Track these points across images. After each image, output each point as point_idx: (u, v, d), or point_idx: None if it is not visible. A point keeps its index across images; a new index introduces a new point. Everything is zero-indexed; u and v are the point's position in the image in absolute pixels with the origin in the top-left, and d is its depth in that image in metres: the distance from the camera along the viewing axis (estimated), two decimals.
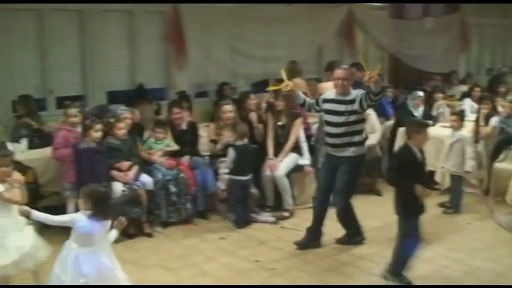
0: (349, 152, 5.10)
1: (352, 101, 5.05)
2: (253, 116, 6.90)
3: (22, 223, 4.13)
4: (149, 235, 5.78)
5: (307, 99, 5.49)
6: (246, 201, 6.05)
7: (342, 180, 5.16)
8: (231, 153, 5.94)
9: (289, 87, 5.10)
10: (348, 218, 5.36)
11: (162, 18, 8.24)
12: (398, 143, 7.12)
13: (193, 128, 6.65)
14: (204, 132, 6.82)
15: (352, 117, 5.06)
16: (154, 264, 5.06)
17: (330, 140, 5.23)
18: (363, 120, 5.26)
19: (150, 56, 8.27)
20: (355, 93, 5.10)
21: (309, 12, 9.67)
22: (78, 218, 3.75)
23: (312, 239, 5.36)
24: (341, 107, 5.09)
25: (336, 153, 5.18)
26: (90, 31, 7.55)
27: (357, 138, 5.13)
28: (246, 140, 6.07)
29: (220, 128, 6.49)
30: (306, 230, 5.39)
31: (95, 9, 7.53)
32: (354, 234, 5.45)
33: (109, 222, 3.88)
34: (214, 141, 6.51)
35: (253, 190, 6.23)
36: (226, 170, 6.06)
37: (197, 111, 7.80)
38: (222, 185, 6.19)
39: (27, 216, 3.85)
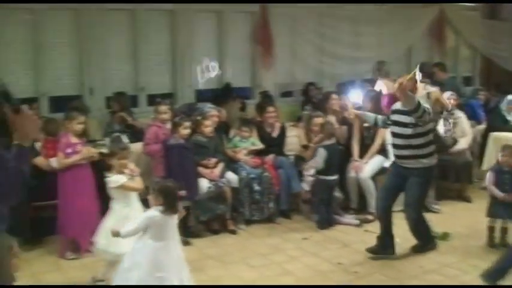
0: (419, 163, 4.89)
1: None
2: (332, 117, 6.80)
3: (140, 213, 4.26)
4: (233, 232, 5.86)
5: (379, 117, 5.33)
6: (331, 202, 6.02)
7: (412, 193, 4.99)
8: (322, 152, 5.90)
9: (352, 116, 5.41)
10: (421, 229, 5.20)
11: (250, 18, 8.36)
12: (490, 148, 6.84)
13: (281, 129, 6.68)
14: (290, 132, 6.82)
15: (419, 129, 4.85)
16: (238, 261, 5.13)
17: (396, 152, 5.06)
18: (431, 131, 5.02)
19: (238, 56, 8.41)
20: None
21: (398, 12, 9.48)
22: (152, 215, 3.85)
23: (383, 247, 5.18)
24: (406, 118, 4.88)
25: (405, 165, 4.99)
26: (180, 31, 7.76)
27: (425, 151, 4.91)
28: (334, 140, 6.04)
29: (311, 137, 6.41)
30: (376, 238, 5.25)
31: (186, 9, 7.73)
32: (427, 243, 5.28)
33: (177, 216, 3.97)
34: (305, 147, 6.47)
35: (338, 194, 6.17)
36: (312, 171, 6.04)
37: (281, 112, 7.83)
38: (306, 186, 6.17)
39: (117, 235, 3.93)
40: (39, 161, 5.26)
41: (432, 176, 5.21)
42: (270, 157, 6.38)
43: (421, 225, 5.18)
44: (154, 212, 3.85)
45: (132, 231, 3.88)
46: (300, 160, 6.50)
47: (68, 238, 5.17)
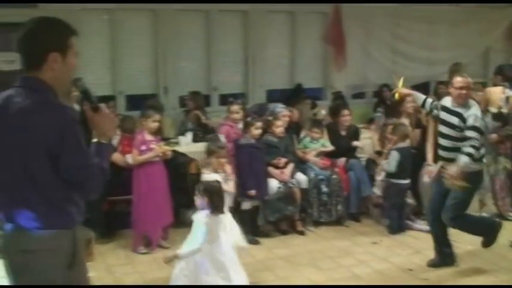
0: (467, 167, 4.44)
1: (465, 118, 4.51)
2: (406, 120, 6.62)
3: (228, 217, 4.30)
4: (301, 233, 5.85)
5: (429, 99, 5.04)
6: (403, 206, 5.89)
7: (454, 196, 4.59)
8: (395, 155, 5.78)
9: (397, 96, 5.03)
10: (470, 225, 4.82)
11: (322, 18, 8.31)
12: None
13: (355, 132, 6.60)
14: (362, 134, 6.73)
15: (469, 133, 4.48)
16: (306, 263, 5.10)
17: (442, 153, 4.73)
18: (482, 135, 4.58)
19: (309, 56, 8.39)
20: (473, 110, 4.54)
21: (475, 13, 9.15)
22: (202, 221, 3.91)
23: (442, 258, 4.96)
24: (454, 120, 4.56)
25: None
26: (253, 31, 7.82)
27: (474, 155, 4.46)
28: (407, 142, 5.91)
29: (384, 143, 6.27)
30: (434, 250, 5.04)
31: (259, 10, 7.78)
32: (489, 232, 4.85)
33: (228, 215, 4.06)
34: (379, 153, 6.35)
35: (409, 200, 6.04)
36: (383, 175, 5.93)
37: (353, 113, 7.73)
38: (377, 191, 6.07)
39: (177, 259, 3.98)
40: (116, 157, 5.43)
41: (479, 182, 4.89)
42: (342, 160, 6.31)
43: (466, 222, 4.77)
44: (201, 216, 3.93)
45: (191, 250, 3.90)
46: (372, 163, 6.39)
47: (141, 233, 5.31)
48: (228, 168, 4.65)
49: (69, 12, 6.73)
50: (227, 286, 3.80)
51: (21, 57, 2.36)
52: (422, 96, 5.07)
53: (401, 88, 5.01)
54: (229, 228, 4.11)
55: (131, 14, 7.28)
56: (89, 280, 2.65)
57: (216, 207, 3.92)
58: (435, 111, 4.86)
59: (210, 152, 4.68)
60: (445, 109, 4.68)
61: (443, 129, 4.69)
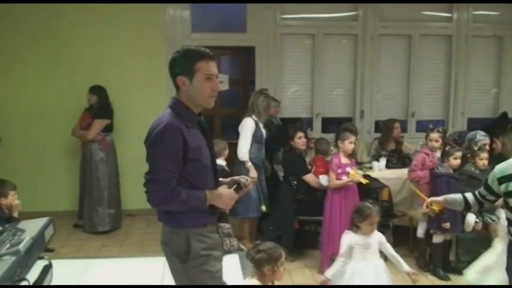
0: None
1: None
2: None
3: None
4: None
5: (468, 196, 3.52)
6: None
7: None
8: None
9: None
10: None
11: None
12: None
13: None
14: None
15: None
16: None
17: None
18: None
19: None
20: None
21: None
22: (352, 240, 4.00)
23: None
24: None
25: None
26: (456, 56, 7.55)
27: None
28: None
29: None
30: None
31: (463, 34, 7.50)
32: None
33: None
34: None
35: None
36: None
37: None
38: None
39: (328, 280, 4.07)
40: (309, 177, 5.53)
41: None
42: None
43: None
44: (350, 234, 4.02)
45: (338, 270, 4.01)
46: None
47: (328, 255, 5.31)
48: None
49: (274, 37, 7.15)
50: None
51: None
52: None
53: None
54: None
55: (333, 38, 7.42)
56: None
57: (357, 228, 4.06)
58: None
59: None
60: None
61: None
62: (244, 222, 5.84)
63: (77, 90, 6.52)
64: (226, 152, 5.64)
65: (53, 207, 6.34)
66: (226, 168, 5.53)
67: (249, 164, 5.63)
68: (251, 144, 5.68)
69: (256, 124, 5.75)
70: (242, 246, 5.51)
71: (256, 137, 5.74)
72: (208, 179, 2.73)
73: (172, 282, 2.81)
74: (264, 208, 5.69)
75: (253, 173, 5.58)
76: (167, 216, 2.70)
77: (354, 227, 4.10)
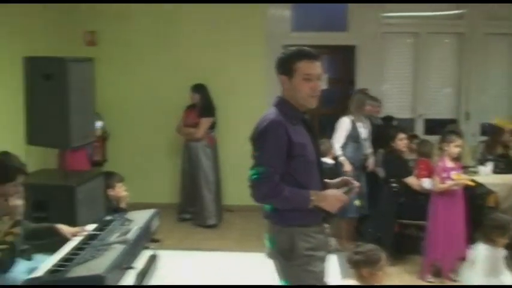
0: None
1: None
2: None
3: None
4: None
5: None
6: None
7: None
8: None
9: None
10: None
11: None
12: None
13: None
14: None
15: None
16: None
17: None
18: None
19: None
20: None
21: None
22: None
23: None
24: None
25: None
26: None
27: None
28: None
29: None
30: None
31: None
32: None
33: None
34: None
35: None
36: None
37: None
38: None
39: None
40: (411, 180, 5.39)
41: None
42: None
43: None
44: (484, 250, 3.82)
45: None
46: None
47: (431, 261, 5.15)
48: None
49: (376, 36, 7.04)
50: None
51: None
52: None
53: None
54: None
55: (437, 37, 7.18)
56: None
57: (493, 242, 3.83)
58: None
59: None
60: None
61: None
62: (342, 222, 5.79)
63: (179, 88, 6.72)
64: (332, 152, 5.61)
65: (156, 199, 6.57)
66: (333, 167, 5.49)
67: (342, 158, 5.63)
68: (347, 144, 5.68)
69: (353, 123, 5.71)
70: (340, 247, 5.46)
71: (352, 137, 5.71)
72: (313, 176, 2.73)
73: (271, 280, 2.82)
74: (357, 202, 5.60)
75: (347, 166, 5.59)
76: (272, 213, 2.72)
77: (489, 240, 3.93)
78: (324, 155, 5.05)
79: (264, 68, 6.73)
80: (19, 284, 2.64)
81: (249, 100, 6.80)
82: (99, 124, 6.03)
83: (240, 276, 4.77)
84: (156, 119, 6.98)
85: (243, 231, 6.27)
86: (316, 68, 2.69)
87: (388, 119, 6.76)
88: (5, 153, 3.29)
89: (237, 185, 6.83)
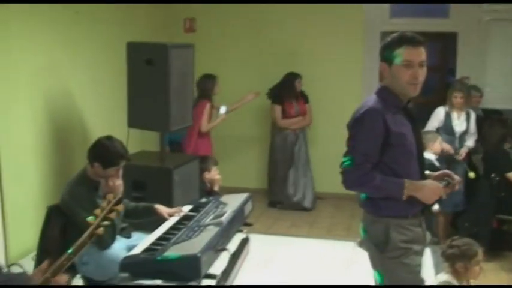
0: None
1: None
2: None
3: None
4: None
5: None
6: None
7: None
8: None
9: None
10: None
11: None
12: None
13: None
14: None
15: None
16: None
17: None
18: None
19: None
20: None
21: None
22: None
23: None
24: None
25: None
26: None
27: None
28: None
29: None
30: None
31: None
32: None
33: None
34: None
35: None
36: None
37: None
38: None
39: None
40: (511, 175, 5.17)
41: None
42: None
43: None
44: None
45: None
46: None
47: None
48: None
49: (479, 23, 6.74)
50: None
51: None
52: None
53: None
54: None
55: None
56: None
57: None
58: None
59: None
60: None
61: None
62: (438, 215, 5.63)
63: (273, 75, 6.76)
64: (436, 145, 5.32)
65: (246, 184, 6.68)
66: (436, 162, 5.21)
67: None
68: (441, 135, 5.47)
69: (447, 114, 5.53)
70: (435, 241, 5.33)
71: (445, 128, 5.55)
72: (412, 167, 2.66)
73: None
74: (472, 175, 5.42)
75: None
76: (367, 202, 2.69)
77: None
78: (424, 148, 4.88)
79: (361, 55, 6.63)
80: (118, 260, 2.77)
81: (344, 87, 6.73)
82: (223, 109, 6.17)
83: (328, 264, 4.81)
84: (249, 104, 7.05)
85: (332, 219, 6.25)
86: (419, 54, 2.61)
87: (493, 112, 6.45)
88: (109, 138, 3.47)
89: (327, 172, 6.83)
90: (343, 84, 6.78)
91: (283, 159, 6.63)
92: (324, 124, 6.73)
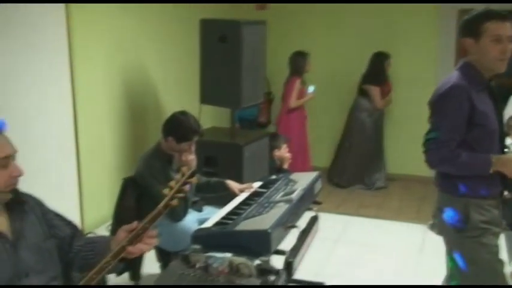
0: None
1: None
2: None
3: None
4: None
5: None
6: None
7: None
8: None
9: None
10: None
11: None
12: None
13: None
14: None
15: None
16: None
17: None
18: None
19: None
20: None
21: None
22: None
23: None
24: None
25: None
26: None
27: None
28: None
29: None
30: None
31: None
32: None
33: None
34: None
35: None
36: None
37: None
38: None
39: None
40: None
41: None
42: None
43: None
44: None
45: None
46: None
47: None
48: None
49: None
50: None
51: None
52: None
53: None
54: None
55: None
56: None
57: None
58: None
59: None
60: None
61: None
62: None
63: (348, 56, 6.70)
64: None
65: (315, 162, 6.64)
66: None
67: None
68: None
69: None
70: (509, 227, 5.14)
71: None
72: (493, 147, 2.57)
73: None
74: None
75: None
76: (444, 181, 2.62)
77: None
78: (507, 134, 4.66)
79: (437, 34, 6.41)
80: (190, 232, 2.82)
81: (419, 68, 6.53)
82: (311, 88, 6.14)
83: (398, 247, 4.74)
84: (335, 90, 6.94)
85: (402, 201, 6.12)
86: (507, 28, 2.50)
87: None
88: (184, 113, 3.53)
89: (399, 152, 6.71)
90: (419, 64, 6.57)
91: (354, 139, 6.52)
92: (397, 104, 6.58)
